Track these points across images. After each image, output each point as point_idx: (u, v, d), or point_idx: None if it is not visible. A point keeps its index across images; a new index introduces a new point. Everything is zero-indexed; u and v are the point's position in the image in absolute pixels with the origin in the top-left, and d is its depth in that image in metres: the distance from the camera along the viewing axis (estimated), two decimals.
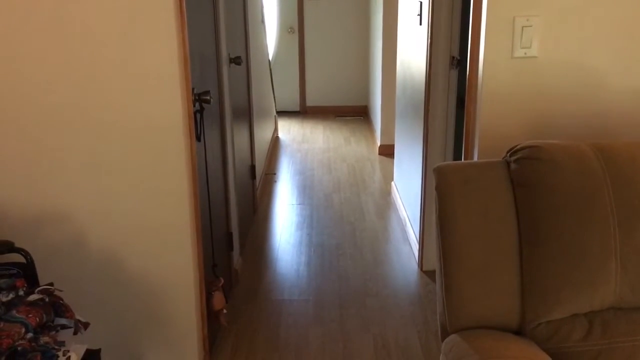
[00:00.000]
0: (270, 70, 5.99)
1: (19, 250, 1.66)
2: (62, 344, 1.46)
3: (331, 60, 7.29)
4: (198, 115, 2.13)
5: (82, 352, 1.58)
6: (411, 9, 3.54)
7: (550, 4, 1.91)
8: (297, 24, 7.20)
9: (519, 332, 1.53)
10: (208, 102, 2.16)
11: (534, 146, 1.56)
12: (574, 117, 2.00)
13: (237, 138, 3.27)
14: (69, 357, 1.43)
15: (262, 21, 5.36)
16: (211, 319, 2.33)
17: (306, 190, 4.66)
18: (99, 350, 1.67)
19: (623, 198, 1.47)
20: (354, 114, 7.32)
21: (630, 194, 1.48)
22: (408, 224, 3.69)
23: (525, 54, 1.94)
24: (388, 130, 5.43)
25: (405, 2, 3.84)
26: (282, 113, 7.20)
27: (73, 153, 1.93)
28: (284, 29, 7.23)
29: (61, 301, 1.53)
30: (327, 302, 2.93)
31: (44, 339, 1.42)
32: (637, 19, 1.94)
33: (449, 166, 1.65)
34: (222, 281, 2.38)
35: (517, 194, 1.56)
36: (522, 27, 1.91)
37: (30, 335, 1.38)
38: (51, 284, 1.56)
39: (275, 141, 6.10)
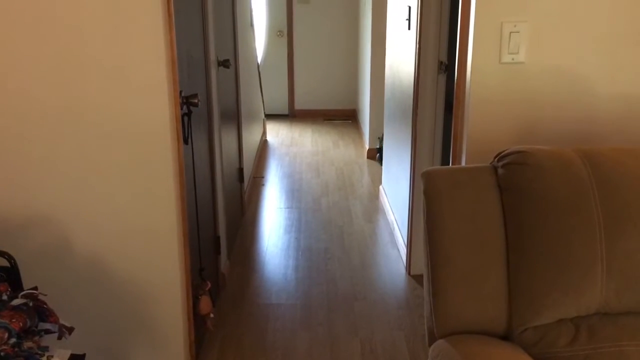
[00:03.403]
0: (259, 73, 5.98)
1: (3, 254, 1.64)
2: (46, 349, 1.44)
3: (320, 63, 7.29)
4: (186, 118, 2.11)
5: (66, 357, 1.55)
6: (400, 13, 3.55)
7: (538, 10, 1.92)
8: (286, 28, 7.20)
9: (506, 337, 1.53)
10: (196, 105, 2.15)
11: (521, 151, 1.57)
12: (561, 122, 2.02)
13: (225, 141, 3.26)
14: None
15: (251, 24, 5.35)
16: (198, 323, 2.31)
17: (294, 194, 4.65)
18: (83, 355, 1.65)
19: (609, 203, 1.48)
20: (343, 117, 7.32)
21: (616, 200, 1.49)
22: (396, 228, 3.70)
23: (512, 59, 1.95)
24: (376, 133, 5.44)
25: (394, 7, 3.85)
26: (271, 116, 7.19)
27: (58, 156, 1.91)
28: (273, 32, 7.22)
29: (45, 305, 1.52)
30: (315, 306, 2.92)
31: (28, 344, 1.40)
32: (623, 25, 1.95)
33: (437, 171, 1.65)
34: (209, 285, 2.37)
35: (504, 199, 1.56)
36: (510, 32, 1.92)
37: (13, 340, 1.37)
38: (35, 288, 1.55)
39: (263, 144, 6.09)
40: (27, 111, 1.86)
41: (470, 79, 1.98)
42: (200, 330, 2.39)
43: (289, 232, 3.87)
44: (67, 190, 1.94)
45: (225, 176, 3.24)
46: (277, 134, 6.62)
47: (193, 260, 2.25)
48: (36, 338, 1.45)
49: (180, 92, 2.03)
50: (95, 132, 1.90)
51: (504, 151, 1.63)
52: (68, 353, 1.57)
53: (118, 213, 1.98)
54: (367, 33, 5.71)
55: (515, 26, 1.92)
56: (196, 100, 2.14)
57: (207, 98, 2.73)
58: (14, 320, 1.40)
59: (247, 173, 4.38)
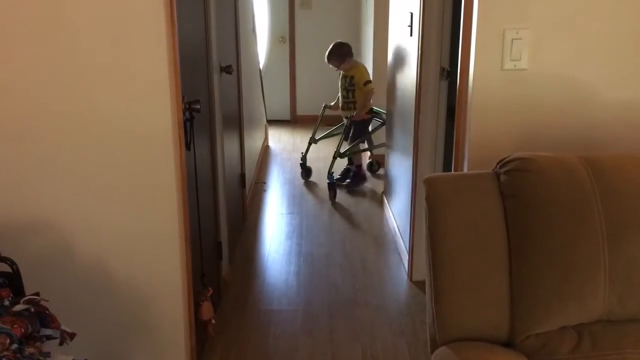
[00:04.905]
0: (261, 79, 5.99)
1: (5, 260, 1.64)
2: (48, 354, 1.44)
3: (322, 69, 7.26)
4: (188, 124, 2.12)
5: None
6: (402, 19, 3.56)
7: (540, 17, 1.92)
8: (288, 33, 7.22)
9: (508, 344, 1.53)
10: (198, 110, 2.15)
11: (523, 158, 1.57)
12: (563, 129, 2.02)
13: (227, 147, 3.26)
14: None
15: (254, 30, 5.37)
16: (199, 329, 2.31)
17: (296, 200, 4.65)
18: None
19: (611, 210, 1.48)
20: None
21: (618, 206, 1.48)
22: (398, 234, 3.69)
23: (515, 66, 1.95)
24: (378, 140, 5.42)
25: (396, 13, 3.86)
26: (273, 122, 7.19)
27: (60, 160, 1.91)
28: (275, 38, 7.24)
29: (47, 311, 1.52)
30: (316, 312, 2.92)
31: (29, 349, 1.40)
32: (625, 32, 1.96)
33: (439, 177, 1.66)
34: (211, 291, 2.36)
35: (506, 206, 1.56)
36: (512, 39, 1.92)
37: (15, 346, 1.36)
38: (37, 294, 1.55)
39: (265, 150, 6.09)
40: (29, 116, 1.87)
41: (473, 86, 1.98)
42: (201, 336, 2.39)
43: (290, 238, 3.87)
44: (69, 196, 1.94)
45: (227, 182, 3.24)
46: (278, 140, 6.62)
47: (194, 265, 2.25)
48: (38, 344, 1.45)
49: (183, 97, 2.03)
50: (97, 137, 1.90)
51: (506, 158, 1.63)
52: (69, 359, 1.57)
53: (120, 218, 1.98)
54: (368, 39, 5.71)
55: (517, 33, 1.92)
56: (198, 106, 2.14)
57: (209, 104, 2.73)
58: (15, 326, 1.39)
59: (248, 178, 4.38)
